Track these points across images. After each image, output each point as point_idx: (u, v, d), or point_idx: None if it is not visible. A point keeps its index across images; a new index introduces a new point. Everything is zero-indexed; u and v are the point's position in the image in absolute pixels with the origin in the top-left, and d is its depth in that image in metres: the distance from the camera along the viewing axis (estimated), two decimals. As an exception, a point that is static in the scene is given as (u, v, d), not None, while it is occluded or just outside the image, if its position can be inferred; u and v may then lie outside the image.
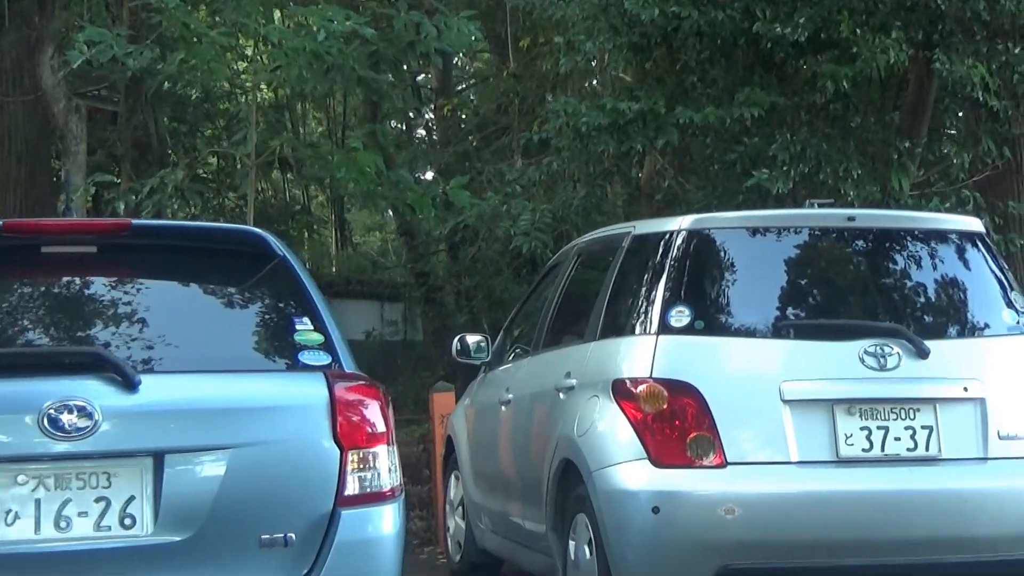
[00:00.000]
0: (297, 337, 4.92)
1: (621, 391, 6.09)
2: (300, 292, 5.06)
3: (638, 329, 6.25)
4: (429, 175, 17.97)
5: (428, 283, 18.96)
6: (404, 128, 22.13)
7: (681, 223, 6.46)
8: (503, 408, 7.82)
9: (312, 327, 4.95)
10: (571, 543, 6.41)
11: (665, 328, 6.12)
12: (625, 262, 6.73)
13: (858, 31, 10.37)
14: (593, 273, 7.27)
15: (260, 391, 4.75)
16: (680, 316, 6.14)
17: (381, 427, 4.80)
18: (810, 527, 5.83)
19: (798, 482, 5.88)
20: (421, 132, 23.27)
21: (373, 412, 4.80)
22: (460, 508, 8.95)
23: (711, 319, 6.20)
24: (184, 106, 17.32)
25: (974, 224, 6.72)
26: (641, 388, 6.01)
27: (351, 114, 22.34)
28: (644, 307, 6.28)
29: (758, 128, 11.07)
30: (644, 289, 6.36)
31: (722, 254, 6.41)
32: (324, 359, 4.87)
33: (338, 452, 4.66)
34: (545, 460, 6.75)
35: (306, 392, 4.73)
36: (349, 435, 4.70)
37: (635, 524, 5.85)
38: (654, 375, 6.02)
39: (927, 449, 6.02)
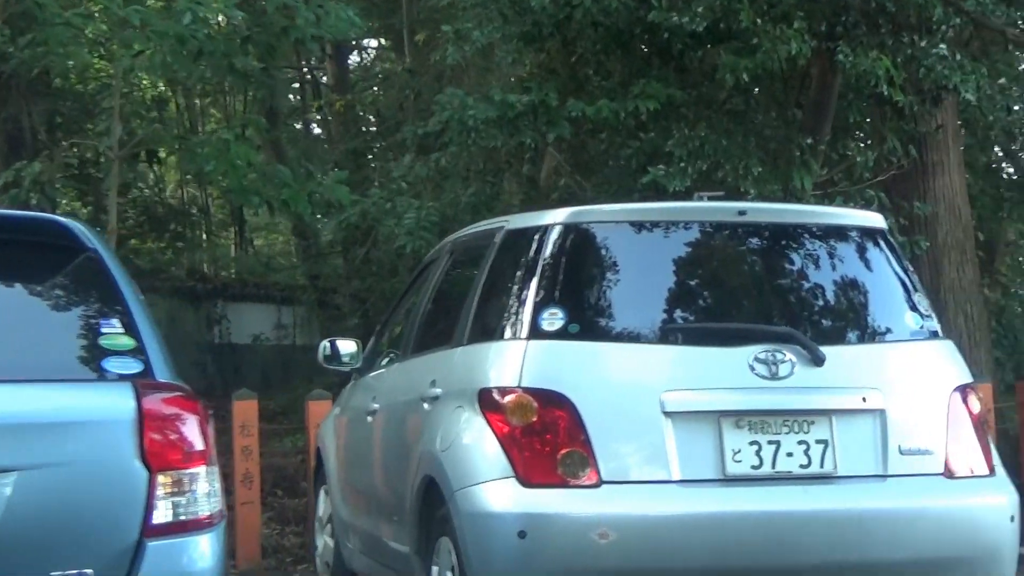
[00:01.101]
0: (103, 341, 4.31)
1: (487, 402, 5.50)
2: (110, 290, 4.44)
3: (507, 333, 5.65)
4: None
5: (321, 286, 18.30)
6: (302, 125, 21.50)
7: (556, 217, 5.87)
8: (369, 419, 7.20)
9: (122, 330, 4.33)
10: (434, 568, 5.80)
11: (536, 332, 5.53)
12: (497, 260, 6.13)
13: (759, 21, 9.89)
14: (465, 272, 6.68)
15: (53, 404, 4.13)
16: (553, 319, 5.55)
17: (199, 445, 4.21)
18: (693, 552, 5.26)
19: (680, 503, 5.31)
20: (319, 129, 22.63)
21: (190, 428, 4.21)
22: (329, 525, 8.31)
23: (587, 322, 5.62)
24: (61, 98, 16.51)
25: (876, 220, 6.20)
26: (509, 399, 5.42)
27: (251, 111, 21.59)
28: (515, 309, 5.69)
29: (655, 123, 10.56)
30: (515, 289, 5.76)
31: (601, 251, 5.83)
32: (134, 367, 4.28)
33: (146, 474, 4.10)
34: (408, 477, 6.15)
35: (109, 405, 4.14)
36: (159, 454, 4.12)
37: (499, 550, 5.26)
38: (523, 384, 5.43)
39: (822, 466, 5.48)
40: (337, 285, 17.86)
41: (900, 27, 10.66)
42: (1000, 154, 14.84)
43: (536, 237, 5.84)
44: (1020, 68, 12.50)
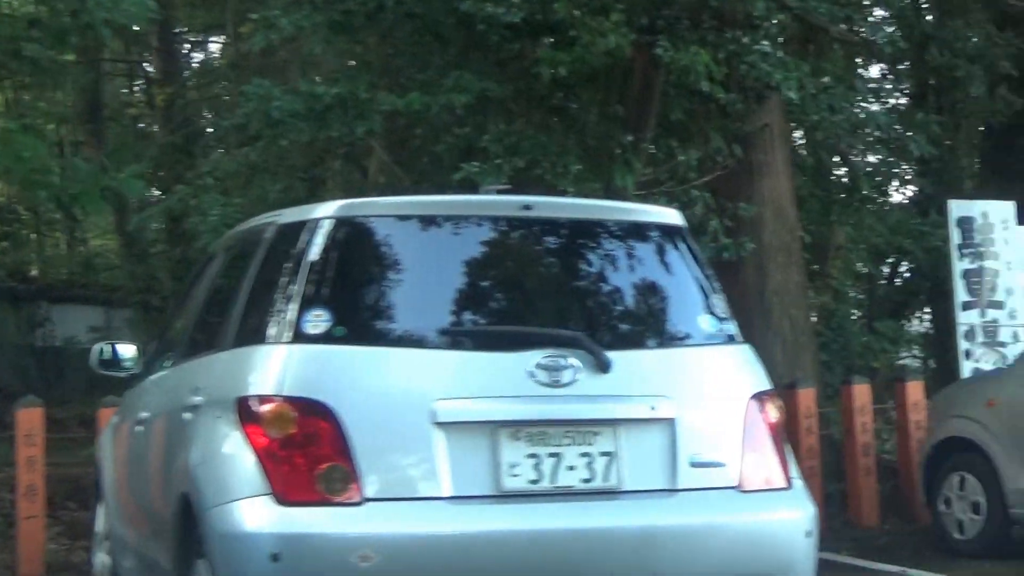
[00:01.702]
0: None
1: (245, 412, 5.01)
2: None
3: (270, 337, 5.16)
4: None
5: (142, 287, 17.62)
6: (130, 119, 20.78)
7: (326, 210, 5.40)
8: (138, 428, 6.68)
9: None
10: (193, 594, 5.30)
11: (300, 336, 5.06)
12: (267, 257, 5.66)
13: (576, 13, 9.51)
14: (237, 269, 6.16)
15: None
16: (318, 322, 5.08)
17: None
18: (464, 575, 4.83)
19: (450, 522, 4.88)
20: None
21: None
22: (107, 542, 7.75)
23: (356, 325, 5.16)
24: None
25: (673, 218, 5.82)
26: (266, 408, 4.94)
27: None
28: (279, 311, 5.20)
29: (471, 117, 10.14)
30: (281, 289, 5.27)
31: (375, 247, 5.37)
32: None
33: None
34: (169, 493, 5.64)
35: None
36: None
37: (251, 574, 4.78)
38: (284, 393, 4.96)
39: (606, 480, 5.09)
40: (157, 286, 17.20)
41: (724, 23, 10.39)
42: (829, 156, 14.65)
43: (305, 232, 5.36)
44: (845, 67, 12.32)
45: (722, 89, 9.96)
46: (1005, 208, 12.28)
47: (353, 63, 10.82)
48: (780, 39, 10.83)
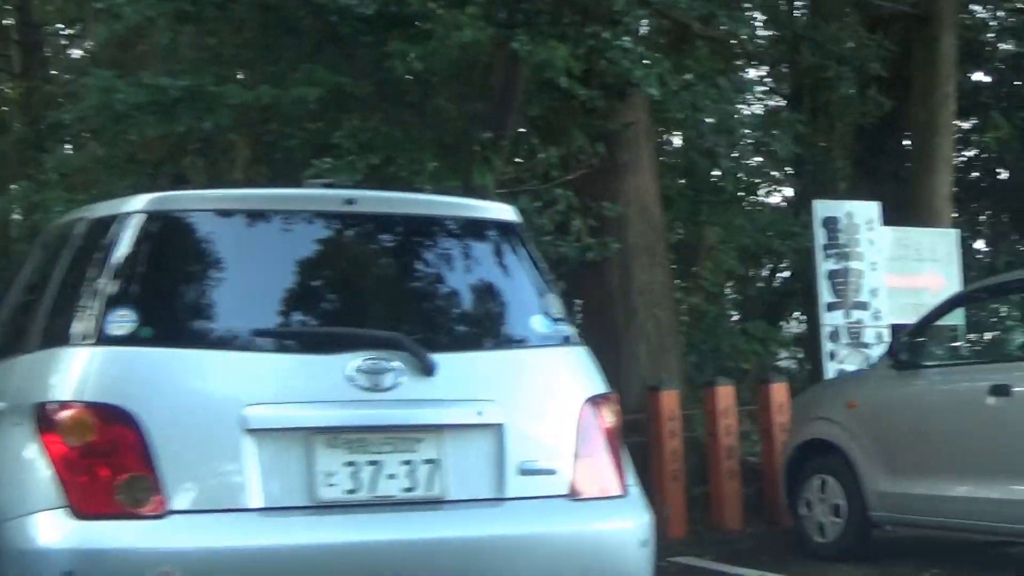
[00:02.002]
0: None
1: (43, 418, 4.68)
2: None
3: (74, 339, 4.83)
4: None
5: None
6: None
7: (137, 203, 5.07)
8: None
9: None
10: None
11: (104, 338, 4.74)
12: (77, 253, 5.31)
13: (431, 5, 9.25)
14: (49, 267, 5.80)
15: None
16: (122, 322, 4.76)
17: None
18: (276, 592, 4.55)
19: (260, 535, 4.59)
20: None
21: None
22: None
23: (165, 326, 4.84)
24: None
25: (507, 213, 5.57)
26: (64, 415, 4.62)
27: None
28: (84, 311, 4.88)
29: (326, 112, 9.84)
30: (88, 288, 4.94)
31: (188, 243, 5.06)
32: None
33: None
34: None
35: None
36: None
37: (44, 595, 4.46)
38: (84, 398, 4.63)
39: (429, 489, 4.84)
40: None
41: (586, 18, 10.19)
42: (701, 156, 14.53)
43: (115, 227, 5.04)
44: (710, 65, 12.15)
45: (581, 85, 9.74)
46: (870, 208, 12.22)
47: (204, 55, 10.40)
48: (644, 35, 10.65)
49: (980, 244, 19.62)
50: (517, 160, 11.23)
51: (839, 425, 9.95)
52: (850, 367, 11.41)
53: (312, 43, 9.97)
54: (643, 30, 11.57)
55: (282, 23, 9.88)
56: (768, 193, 20.73)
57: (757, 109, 20.12)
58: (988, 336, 11.58)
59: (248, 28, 10.23)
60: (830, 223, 11.90)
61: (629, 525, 5.15)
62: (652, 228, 12.07)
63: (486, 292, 5.35)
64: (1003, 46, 19.34)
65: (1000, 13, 19.12)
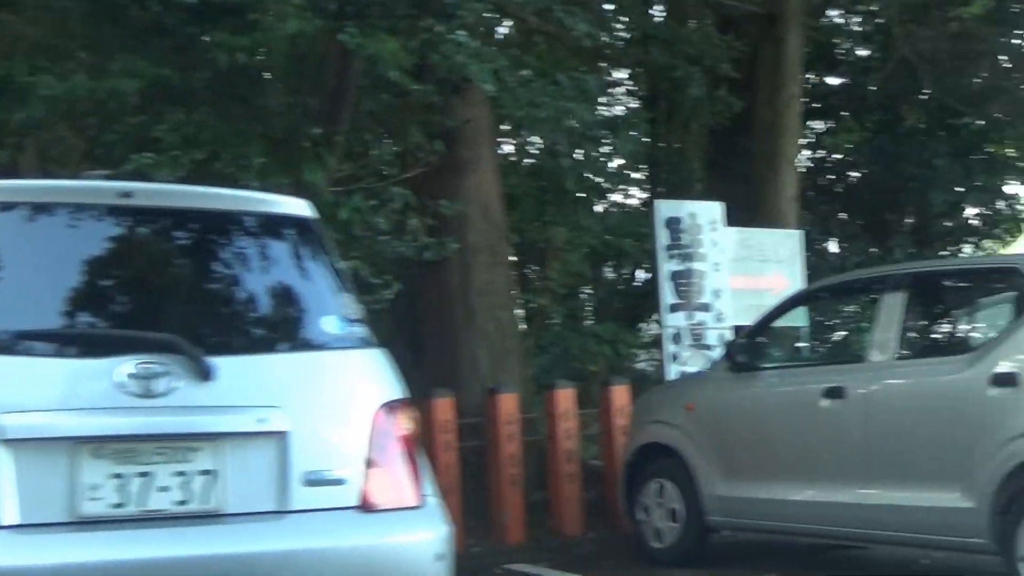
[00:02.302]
0: None
1: None
2: None
3: None
4: None
5: None
6: None
7: None
8: None
9: None
10: None
11: None
12: None
13: (256, -5, 8.91)
14: None
15: None
16: None
17: None
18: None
19: (15, 554, 4.24)
20: None
21: None
22: None
23: (-84, 328, 4.48)
24: None
25: (299, 208, 5.27)
26: None
27: None
28: None
29: (149, 106, 9.45)
30: None
31: (-52, 238, 4.70)
32: None
33: None
34: None
35: None
36: None
37: None
38: None
39: (205, 502, 4.53)
40: None
41: (421, 11, 9.90)
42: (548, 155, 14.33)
43: None
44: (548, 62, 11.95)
45: (414, 80, 9.47)
46: (713, 209, 12.10)
47: (21, 44, 9.92)
48: (485, 30, 10.39)
49: (833, 246, 19.65)
50: (356, 157, 10.90)
51: (677, 428, 9.80)
52: (692, 369, 11.28)
53: (133, 33, 9.55)
54: (489, 26, 11.28)
55: (103, 12, 9.46)
56: (625, 194, 20.64)
57: (619, 110, 20.10)
58: (824, 337, 11.52)
59: (72, 17, 9.78)
60: (673, 223, 11.75)
61: (424, 537, 4.88)
62: (493, 227, 11.84)
63: (275, 291, 5.04)
64: (859, 51, 19.42)
65: (854, 19, 19.21)
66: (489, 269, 11.70)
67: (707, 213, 11.95)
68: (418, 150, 10.81)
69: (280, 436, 4.66)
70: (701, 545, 9.64)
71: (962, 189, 18.17)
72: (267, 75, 10.09)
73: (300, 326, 5.04)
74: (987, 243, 19.65)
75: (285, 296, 5.06)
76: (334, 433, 4.81)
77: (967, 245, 19.52)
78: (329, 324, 5.02)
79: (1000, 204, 19.65)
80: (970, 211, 19.71)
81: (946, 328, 9.35)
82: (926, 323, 9.00)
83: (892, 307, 8.64)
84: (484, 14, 10.27)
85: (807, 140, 20.24)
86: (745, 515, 9.34)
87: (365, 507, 4.77)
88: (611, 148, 12.91)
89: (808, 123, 19.98)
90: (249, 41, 8.89)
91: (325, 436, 4.78)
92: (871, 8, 18.08)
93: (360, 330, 5.09)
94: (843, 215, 20.04)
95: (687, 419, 9.75)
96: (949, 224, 19.65)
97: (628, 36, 16.00)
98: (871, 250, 18.31)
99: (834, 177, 20.20)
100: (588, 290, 18.92)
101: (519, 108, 10.26)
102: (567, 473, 10.92)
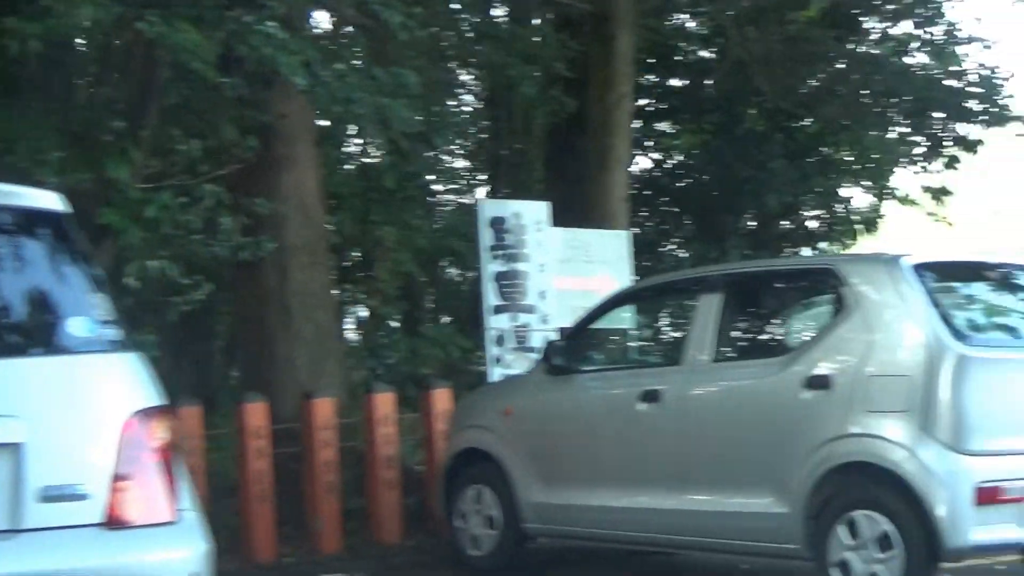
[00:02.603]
0: None
1: None
2: None
3: None
4: None
5: None
6: None
7: None
8: None
9: None
10: None
11: None
12: None
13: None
14: None
15: None
16: None
17: None
18: None
19: None
20: None
21: None
22: None
23: None
24: None
25: (47, 201, 4.89)
26: None
27: None
28: None
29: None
30: None
31: None
32: None
33: None
34: None
35: None
36: None
37: None
38: None
39: (-74, 521, 4.14)
40: None
41: (232, 1, 9.52)
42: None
43: None
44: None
45: (219, 72, 9.08)
46: (538, 208, 11.87)
47: None
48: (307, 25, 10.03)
49: (673, 248, 19.60)
50: (165, 153, 10.46)
51: (494, 433, 9.56)
52: (516, 372, 11.05)
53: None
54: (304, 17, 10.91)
55: None
56: (459, 194, 20.40)
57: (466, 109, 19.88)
58: (644, 340, 11.35)
59: None
60: (497, 223, 11.49)
61: (178, 555, 4.53)
62: (312, 226, 11.48)
63: (17, 291, 4.65)
64: (699, 53, 19.40)
65: (693, 20, 19.20)
66: (307, 269, 11.33)
67: (532, 213, 11.71)
68: (233, 146, 10.40)
69: (14, 448, 4.29)
70: (518, 553, 9.41)
71: (798, 192, 18.19)
72: (66, 65, 9.61)
73: (44, 328, 4.66)
74: (825, 246, 19.73)
75: (28, 296, 4.67)
76: (77, 444, 4.45)
77: (806, 248, 19.59)
78: (78, 326, 4.65)
79: (838, 207, 19.76)
80: (810, 213, 19.79)
81: (762, 330, 9.22)
82: (742, 325, 8.86)
83: (709, 309, 8.48)
84: (300, 5, 9.90)
85: (649, 142, 20.21)
86: (562, 522, 9.14)
87: (112, 524, 4.42)
88: (444, 146, 12.60)
89: (651, 125, 19.95)
90: (41, 28, 8.41)
91: (67, 448, 4.42)
92: (708, 10, 18.04)
93: (112, 332, 4.72)
94: (685, 217, 20.01)
95: (505, 423, 9.51)
96: (791, 226, 19.70)
97: (468, 35, 15.76)
98: (709, 252, 18.27)
99: (673, 179, 20.16)
100: (430, 291, 18.67)
101: (335, 103, 9.89)
102: (386, 479, 10.60)
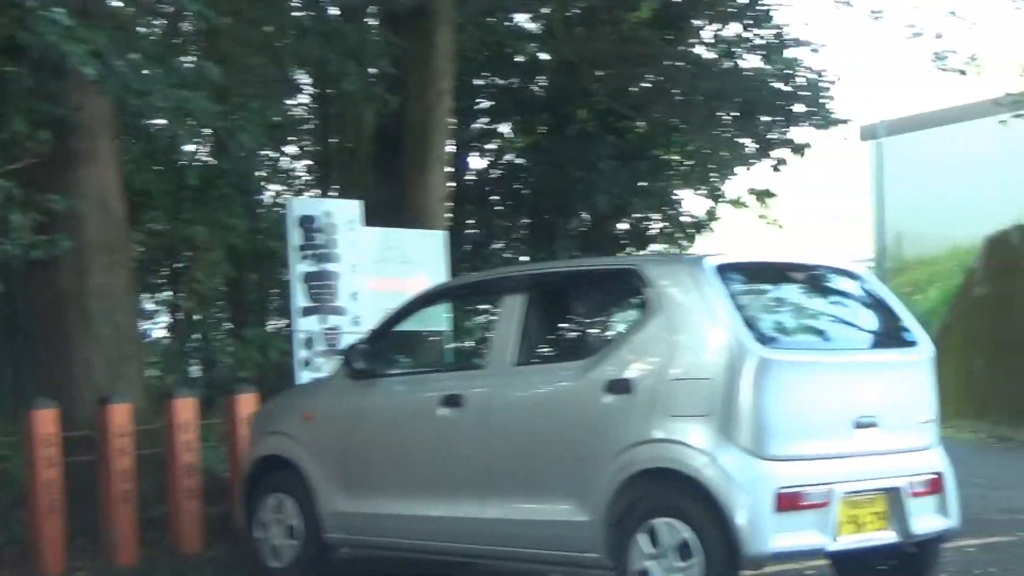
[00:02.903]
0: None
1: None
2: None
3: None
4: None
5: None
6: None
7: None
8: None
9: None
10: None
11: None
12: None
13: None
14: None
15: None
16: None
17: None
18: None
19: None
20: None
21: None
22: None
23: None
24: None
25: None
26: None
27: None
28: None
29: None
30: None
31: None
32: None
33: None
34: None
35: None
36: None
37: None
38: None
39: None
40: None
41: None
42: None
43: None
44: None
45: (2, 60, 8.60)
46: (351, 207, 11.51)
47: None
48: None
49: (501, 248, 19.34)
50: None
51: (295, 440, 9.25)
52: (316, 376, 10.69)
53: None
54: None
55: None
56: (297, 192, 19.94)
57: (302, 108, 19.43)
58: (448, 342, 11.07)
59: None
60: (307, 222, 11.10)
61: None
62: (112, 225, 10.99)
63: None
64: (536, 54, 19.20)
65: (525, 19, 19.00)
66: (107, 270, 10.84)
67: (344, 212, 11.34)
68: (26, 139, 9.90)
69: None
70: (320, 565, 9.11)
71: (627, 193, 18.05)
72: None
73: None
74: (661, 248, 19.65)
75: None
76: None
77: (640, 250, 19.47)
78: None
79: (672, 210, 19.69)
80: (644, 215, 19.65)
81: (566, 333, 9.00)
82: (545, 327, 8.62)
83: (513, 310, 8.26)
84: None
85: (483, 142, 19.97)
86: (365, 532, 8.88)
87: None
88: (255, 144, 12.15)
89: (484, 124, 19.71)
90: None
91: None
92: (539, 10, 17.86)
93: None
94: (517, 218, 19.79)
95: (306, 429, 9.19)
96: (627, 228, 19.56)
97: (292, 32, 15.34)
98: (539, 253, 18.08)
99: (506, 179, 19.92)
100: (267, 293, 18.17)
101: (130, 95, 9.45)
102: (187, 488, 10.20)
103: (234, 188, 13.54)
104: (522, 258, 18.79)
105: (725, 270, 7.60)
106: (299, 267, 11.03)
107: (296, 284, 11.01)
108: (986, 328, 21.15)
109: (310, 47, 14.02)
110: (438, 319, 10.79)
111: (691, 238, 19.90)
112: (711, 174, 19.57)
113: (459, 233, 18.80)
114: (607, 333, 8.79)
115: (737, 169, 19.39)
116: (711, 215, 19.95)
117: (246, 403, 10.55)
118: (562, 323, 8.93)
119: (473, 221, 19.30)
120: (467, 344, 10.70)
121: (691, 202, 20.20)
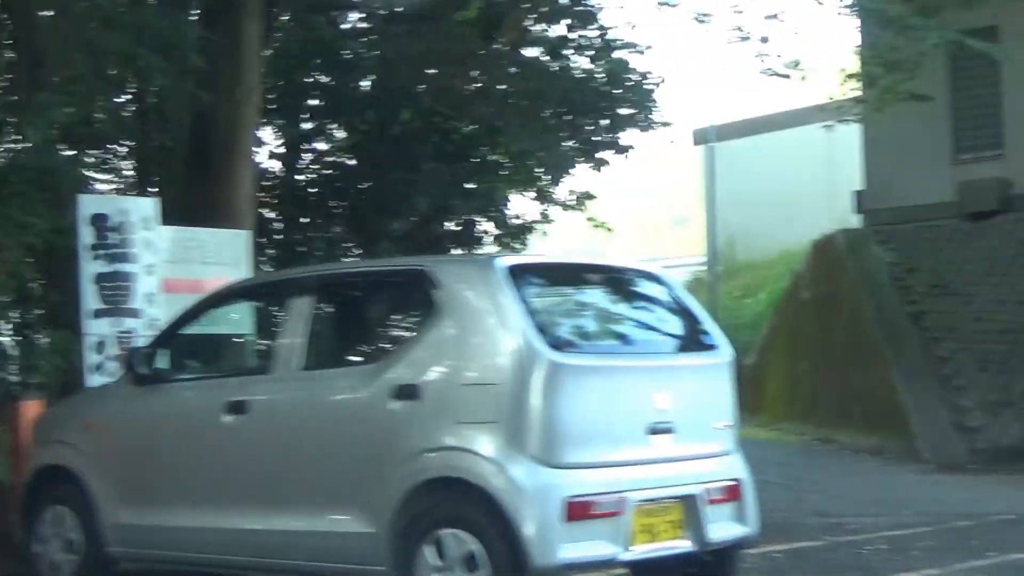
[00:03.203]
0: None
1: None
2: None
3: None
4: None
5: None
6: None
7: None
8: None
9: None
10: None
11: None
12: None
13: None
14: None
15: None
16: None
17: None
18: None
19: None
20: None
21: None
22: None
23: None
24: None
25: None
26: None
27: None
28: None
29: None
30: None
31: None
32: None
33: None
34: None
35: None
36: None
37: None
38: None
39: None
40: None
41: None
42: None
43: None
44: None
45: None
46: (146, 205, 11.02)
47: None
48: None
49: (319, 250, 18.95)
50: None
51: (76, 449, 8.81)
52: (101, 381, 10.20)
53: None
54: None
55: None
56: (129, 191, 19.29)
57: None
58: (236, 345, 10.67)
59: None
60: (99, 221, 10.60)
61: None
62: None
63: None
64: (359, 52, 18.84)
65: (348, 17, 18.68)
66: None
67: (139, 210, 10.84)
68: None
69: None
70: (102, 580, 8.67)
71: (449, 194, 17.76)
72: None
73: None
74: (489, 250, 19.36)
75: None
76: None
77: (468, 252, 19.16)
78: None
79: (497, 212, 19.44)
80: (471, 217, 19.37)
81: (353, 336, 8.68)
82: (334, 330, 8.32)
83: (300, 312, 7.96)
84: None
85: (306, 141, 19.55)
86: (148, 545, 8.52)
87: None
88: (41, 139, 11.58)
89: (304, 123, 19.30)
90: None
91: None
92: (380, 12, 17.51)
93: None
94: (336, 219, 19.40)
95: (87, 438, 8.78)
96: (456, 229, 19.24)
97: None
98: (362, 255, 17.70)
99: (330, 179, 19.53)
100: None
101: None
102: (-36, 501, 9.66)
103: (32, 185, 12.88)
104: (345, 260, 18.39)
105: (518, 272, 7.37)
106: (90, 267, 10.52)
107: (87, 285, 10.51)
108: (811, 331, 21.36)
109: (119, 41, 13.48)
110: (234, 322, 10.38)
111: (521, 240, 19.65)
112: (539, 176, 19.35)
113: (289, 234, 18.43)
114: (397, 337, 8.49)
115: (571, 171, 19.20)
116: (544, 217, 19.74)
117: (33, 410, 10.03)
118: (351, 326, 8.61)
119: (307, 221, 18.87)
120: (255, 348, 10.29)
121: (523, 204, 19.99)
